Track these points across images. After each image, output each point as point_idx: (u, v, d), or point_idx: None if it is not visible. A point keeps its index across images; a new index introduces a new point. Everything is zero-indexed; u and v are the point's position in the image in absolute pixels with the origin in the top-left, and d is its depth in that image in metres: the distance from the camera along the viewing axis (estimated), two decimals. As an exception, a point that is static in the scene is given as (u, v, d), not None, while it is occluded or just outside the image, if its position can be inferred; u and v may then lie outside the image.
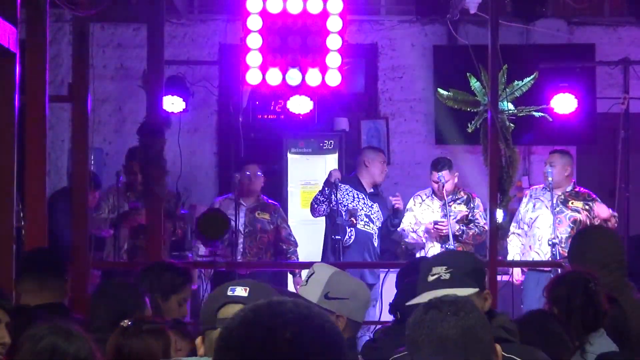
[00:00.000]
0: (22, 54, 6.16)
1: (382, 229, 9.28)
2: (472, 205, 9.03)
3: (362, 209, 9.16)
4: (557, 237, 8.61)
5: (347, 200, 9.13)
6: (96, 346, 3.31)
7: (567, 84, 9.75)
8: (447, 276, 3.50)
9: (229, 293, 2.89)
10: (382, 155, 9.44)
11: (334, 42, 7.80)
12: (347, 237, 9.09)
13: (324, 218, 9.32)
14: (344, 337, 1.88)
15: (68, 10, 6.68)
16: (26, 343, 3.24)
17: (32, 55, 6.42)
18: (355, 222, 9.12)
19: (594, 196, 8.78)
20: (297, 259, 9.20)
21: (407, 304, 3.62)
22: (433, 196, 9.07)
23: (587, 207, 8.76)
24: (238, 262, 8.76)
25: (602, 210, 8.64)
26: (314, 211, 9.18)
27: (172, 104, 9.73)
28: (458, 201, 9.04)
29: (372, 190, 9.28)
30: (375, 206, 9.22)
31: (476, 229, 8.92)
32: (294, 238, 9.25)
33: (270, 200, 9.30)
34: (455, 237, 8.78)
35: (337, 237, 8.99)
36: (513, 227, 8.91)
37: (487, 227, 8.63)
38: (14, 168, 6.03)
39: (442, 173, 8.89)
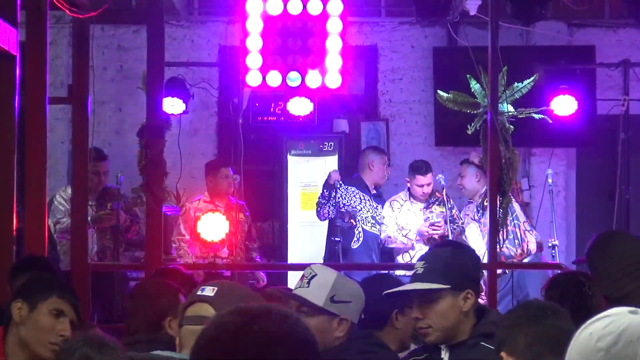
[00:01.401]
0: (23, 56, 6.17)
1: None
2: (449, 205, 9.09)
3: (369, 210, 9.17)
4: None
5: (354, 202, 9.15)
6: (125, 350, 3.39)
7: (567, 86, 9.75)
8: (421, 271, 3.68)
9: (199, 292, 3.08)
10: (385, 157, 9.47)
11: (333, 43, 7.80)
12: (354, 239, 9.11)
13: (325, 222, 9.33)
14: (315, 344, 1.86)
15: (68, 12, 6.68)
16: (62, 354, 3.36)
17: (32, 57, 6.43)
18: (354, 223, 9.12)
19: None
20: (259, 257, 9.21)
21: (385, 292, 3.85)
22: (412, 200, 9.12)
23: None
24: (238, 264, 8.75)
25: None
26: (319, 215, 9.21)
27: (172, 105, 9.73)
28: (437, 203, 9.10)
29: (375, 191, 9.31)
30: (380, 207, 9.24)
31: (458, 229, 8.98)
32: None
33: (238, 201, 9.26)
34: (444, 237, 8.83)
35: (336, 239, 8.99)
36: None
37: (464, 226, 8.81)
38: (14, 169, 6.04)
39: (427, 176, 9.00)
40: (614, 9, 10.70)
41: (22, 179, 6.37)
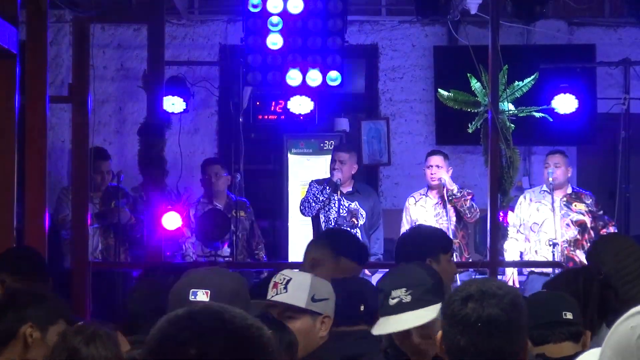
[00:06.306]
0: (23, 55, 6.18)
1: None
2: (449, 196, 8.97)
3: (338, 210, 9.05)
4: (564, 239, 8.61)
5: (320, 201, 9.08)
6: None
7: (568, 85, 9.75)
8: (409, 298, 3.50)
9: (191, 298, 2.91)
10: (337, 154, 9.21)
11: (334, 42, 7.80)
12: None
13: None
14: (272, 345, 1.85)
15: (68, 11, 6.69)
16: (56, 339, 3.22)
17: (33, 56, 6.43)
18: (356, 222, 9.09)
19: (592, 198, 8.81)
20: (265, 256, 9.19)
21: (375, 333, 3.61)
22: (428, 194, 8.99)
23: (588, 209, 8.75)
24: (238, 262, 8.76)
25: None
26: (309, 209, 9.09)
27: (173, 104, 9.74)
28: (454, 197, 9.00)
29: (350, 189, 9.17)
30: (355, 204, 9.09)
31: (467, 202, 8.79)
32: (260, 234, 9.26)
33: (238, 198, 9.20)
34: (449, 198, 8.72)
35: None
36: (511, 232, 8.86)
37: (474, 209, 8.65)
38: (14, 168, 6.04)
39: (434, 157, 8.85)
40: (614, 7, 10.70)
41: (22, 178, 6.37)
